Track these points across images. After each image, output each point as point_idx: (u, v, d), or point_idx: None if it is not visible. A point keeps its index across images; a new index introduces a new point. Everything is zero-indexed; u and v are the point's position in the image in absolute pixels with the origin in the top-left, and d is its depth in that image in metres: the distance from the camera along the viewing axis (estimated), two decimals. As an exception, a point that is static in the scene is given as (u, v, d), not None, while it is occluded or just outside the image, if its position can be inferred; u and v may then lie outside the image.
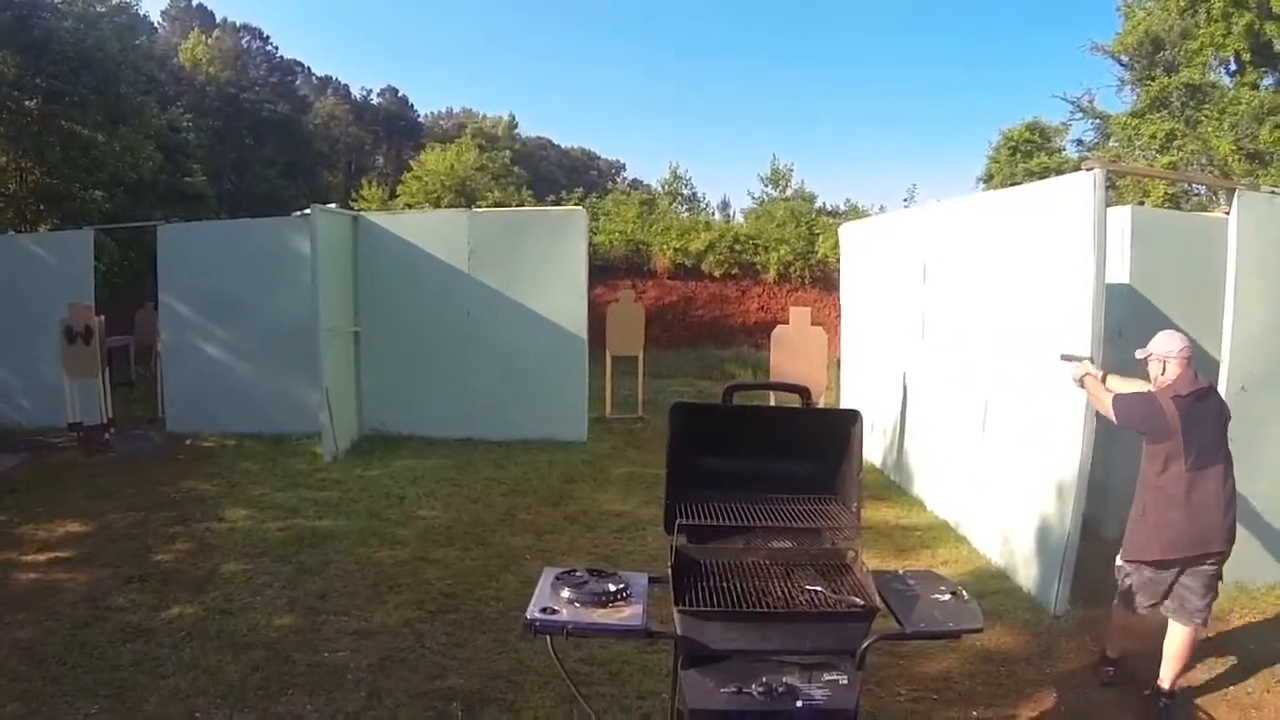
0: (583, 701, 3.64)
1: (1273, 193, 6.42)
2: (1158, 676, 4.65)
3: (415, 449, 10.35)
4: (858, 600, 3.09)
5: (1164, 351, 4.72)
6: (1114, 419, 4.81)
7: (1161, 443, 4.58)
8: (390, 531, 7.35)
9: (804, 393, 3.82)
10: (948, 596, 3.26)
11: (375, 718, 4.45)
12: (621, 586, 3.09)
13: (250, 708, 4.50)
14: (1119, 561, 4.84)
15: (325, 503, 8.15)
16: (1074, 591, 5.81)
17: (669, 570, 3.22)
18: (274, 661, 4.97)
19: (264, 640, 5.24)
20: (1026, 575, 6.29)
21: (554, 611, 2.96)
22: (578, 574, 3.18)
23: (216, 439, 10.62)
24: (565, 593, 3.05)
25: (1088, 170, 5.72)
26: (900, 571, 3.53)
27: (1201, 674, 5.01)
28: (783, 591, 3.17)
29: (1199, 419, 4.56)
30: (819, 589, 3.18)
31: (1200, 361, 5.99)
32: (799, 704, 2.75)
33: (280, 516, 7.69)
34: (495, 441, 10.54)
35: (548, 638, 3.01)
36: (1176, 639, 4.61)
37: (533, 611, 2.96)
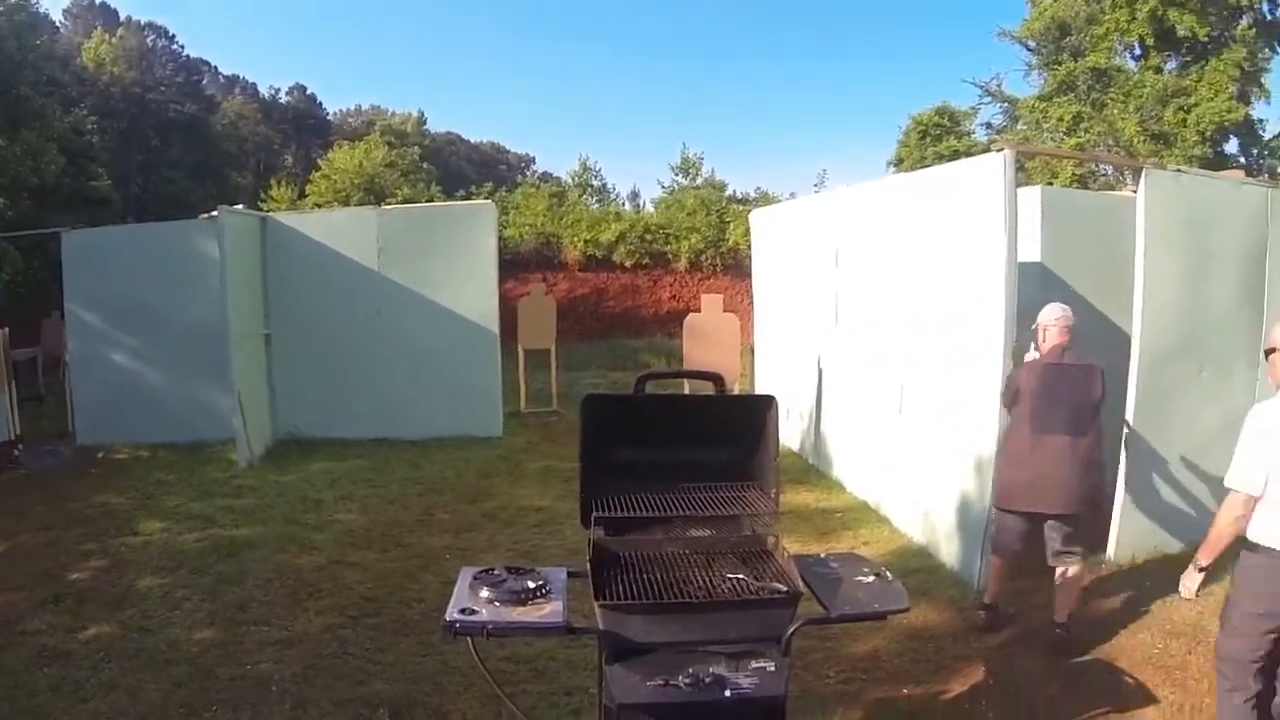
0: (507, 701, 3.59)
1: (1179, 171, 6.62)
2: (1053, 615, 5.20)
3: (331, 451, 10.17)
4: (780, 586, 3.08)
5: (1044, 321, 5.16)
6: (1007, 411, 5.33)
7: (1015, 406, 5.11)
8: (308, 537, 7.21)
9: (717, 380, 3.80)
10: (872, 578, 3.26)
11: (300, 729, 4.35)
12: (540, 583, 3.03)
13: (173, 727, 4.37)
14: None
15: (241, 510, 7.96)
16: (996, 565, 5.90)
17: (588, 564, 3.18)
18: (196, 678, 4.82)
19: (185, 656, 5.08)
20: (949, 552, 6.40)
21: (473, 612, 2.88)
22: (495, 572, 3.11)
23: (129, 450, 10.35)
24: (484, 592, 2.98)
25: (998, 152, 5.83)
26: (823, 555, 3.53)
27: (1125, 639, 5.19)
28: (704, 581, 3.13)
29: (1050, 389, 4.99)
30: (741, 576, 3.16)
31: (1111, 337, 6.18)
32: (727, 693, 2.73)
33: (196, 527, 7.48)
34: (411, 440, 10.45)
35: (469, 639, 2.95)
36: (1060, 579, 5.14)
37: (452, 613, 2.88)
